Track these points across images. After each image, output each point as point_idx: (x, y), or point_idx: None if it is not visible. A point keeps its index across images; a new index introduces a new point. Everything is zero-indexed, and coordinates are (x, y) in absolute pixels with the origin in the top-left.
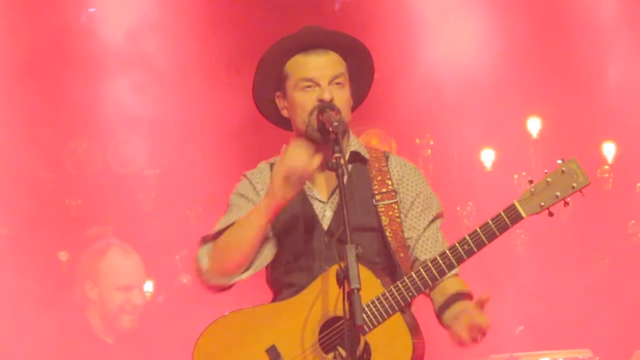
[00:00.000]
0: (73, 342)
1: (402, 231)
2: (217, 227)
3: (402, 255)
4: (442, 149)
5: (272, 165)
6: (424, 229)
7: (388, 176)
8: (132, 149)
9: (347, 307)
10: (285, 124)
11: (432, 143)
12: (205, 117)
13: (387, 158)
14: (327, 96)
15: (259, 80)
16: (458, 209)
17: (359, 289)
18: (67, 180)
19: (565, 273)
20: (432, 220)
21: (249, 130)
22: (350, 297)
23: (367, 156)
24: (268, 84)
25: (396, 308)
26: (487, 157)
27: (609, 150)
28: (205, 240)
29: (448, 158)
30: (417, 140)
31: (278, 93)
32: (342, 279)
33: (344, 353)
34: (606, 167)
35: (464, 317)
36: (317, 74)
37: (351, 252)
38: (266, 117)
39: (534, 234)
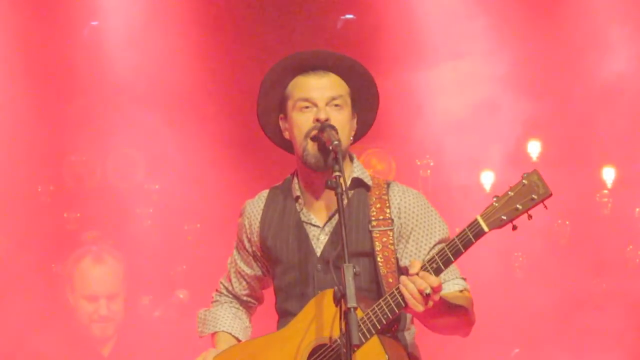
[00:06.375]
0: (74, 352)
1: (395, 258)
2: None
3: (390, 280)
4: (441, 170)
5: (270, 191)
6: (427, 254)
7: (387, 204)
8: (131, 163)
9: (343, 327)
10: (289, 147)
11: (431, 164)
12: (204, 132)
13: (388, 186)
14: (322, 116)
15: (262, 102)
16: (457, 229)
17: (355, 308)
18: (65, 193)
19: (561, 296)
20: (435, 245)
21: (248, 146)
22: (347, 316)
23: (370, 183)
24: (272, 106)
25: (373, 331)
26: (487, 179)
27: (608, 175)
28: (216, 291)
29: (447, 179)
30: (418, 162)
31: (281, 115)
32: (339, 298)
33: None
34: (605, 191)
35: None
36: (315, 94)
37: (349, 271)
38: (271, 139)
39: (532, 257)
